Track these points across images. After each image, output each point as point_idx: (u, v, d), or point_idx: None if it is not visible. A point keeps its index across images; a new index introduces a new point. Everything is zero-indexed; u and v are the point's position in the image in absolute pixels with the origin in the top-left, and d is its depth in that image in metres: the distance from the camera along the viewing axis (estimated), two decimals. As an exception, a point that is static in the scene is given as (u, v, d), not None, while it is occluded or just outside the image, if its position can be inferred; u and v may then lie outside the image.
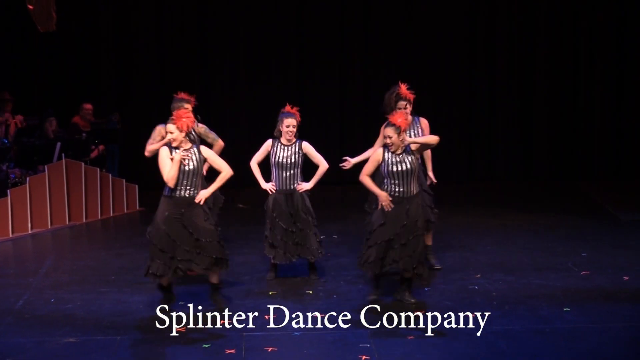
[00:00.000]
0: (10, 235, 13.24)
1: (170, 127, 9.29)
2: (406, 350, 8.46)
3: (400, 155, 9.41)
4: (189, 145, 9.30)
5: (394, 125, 9.37)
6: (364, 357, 8.27)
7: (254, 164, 10.30)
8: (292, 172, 10.19)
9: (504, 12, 17.00)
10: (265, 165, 10.37)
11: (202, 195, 9.25)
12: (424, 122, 10.69)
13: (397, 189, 9.44)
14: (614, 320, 9.16)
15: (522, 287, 10.20)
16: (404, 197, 9.44)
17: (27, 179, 13.64)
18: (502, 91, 17.05)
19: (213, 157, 9.40)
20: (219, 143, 10.65)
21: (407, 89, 10.41)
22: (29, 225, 13.52)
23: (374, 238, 9.50)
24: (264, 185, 10.27)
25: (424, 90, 17.03)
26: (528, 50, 17.08)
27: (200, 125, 10.65)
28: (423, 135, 10.47)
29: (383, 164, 9.46)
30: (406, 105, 10.37)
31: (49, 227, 13.71)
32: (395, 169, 9.40)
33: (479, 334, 8.84)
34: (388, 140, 9.39)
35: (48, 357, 8.46)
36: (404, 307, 9.51)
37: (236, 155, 15.87)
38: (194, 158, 9.27)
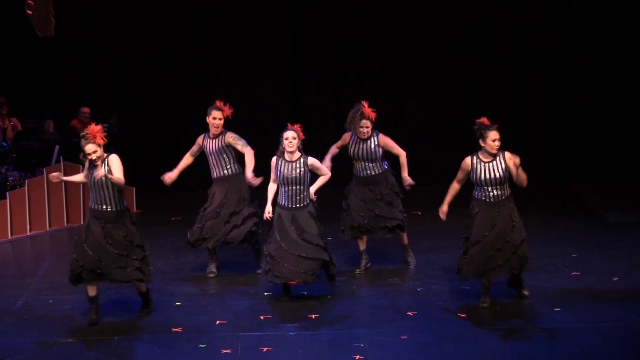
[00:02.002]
0: (9, 237, 13.30)
1: (91, 147, 9.19)
2: (399, 350, 8.55)
3: (492, 163, 9.50)
4: (103, 157, 9.29)
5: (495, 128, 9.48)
6: (357, 356, 8.35)
7: (270, 185, 10.04)
8: (297, 187, 9.87)
9: (496, 15, 17.04)
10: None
11: None
12: (382, 138, 10.96)
13: (490, 194, 9.53)
14: (603, 320, 9.24)
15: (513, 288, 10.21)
16: (497, 202, 9.52)
17: (26, 181, 13.69)
18: (493, 93, 17.09)
19: (117, 168, 9.29)
20: (249, 150, 10.84)
21: (369, 106, 10.84)
22: (28, 227, 13.58)
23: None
24: (267, 209, 10.04)
25: (415, 94, 17.22)
26: (519, 52, 17.07)
27: (228, 134, 10.86)
28: (378, 150, 10.89)
29: (472, 172, 9.55)
30: (368, 124, 10.81)
31: (48, 229, 13.76)
32: (485, 176, 9.48)
33: (470, 334, 8.95)
34: (498, 143, 9.46)
35: (46, 357, 8.55)
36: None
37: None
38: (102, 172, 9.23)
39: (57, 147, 14.54)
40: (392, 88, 17.18)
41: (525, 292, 9.89)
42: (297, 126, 9.98)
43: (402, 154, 11.05)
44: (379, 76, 17.14)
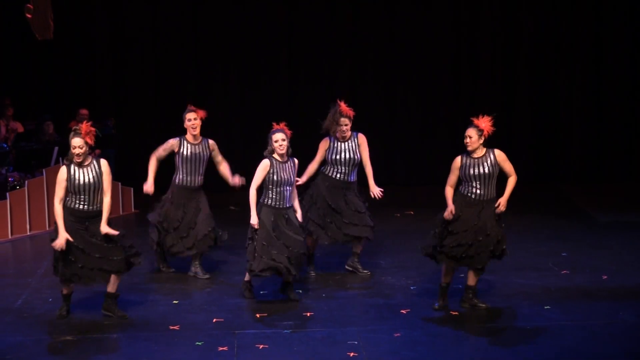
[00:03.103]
0: (9, 237, 13.40)
1: (78, 141, 9.24)
2: (393, 347, 8.65)
3: (480, 159, 9.54)
4: (89, 159, 9.34)
5: (477, 126, 9.50)
6: (351, 354, 8.42)
7: (253, 190, 9.88)
8: (289, 187, 9.90)
9: (487, 17, 17.10)
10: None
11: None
12: (361, 137, 10.92)
13: (475, 192, 9.56)
14: (593, 317, 9.35)
15: (503, 286, 10.35)
16: (481, 200, 9.55)
17: (26, 182, 13.78)
18: (484, 94, 17.16)
19: (108, 176, 9.42)
20: (224, 164, 11.01)
21: (347, 105, 10.78)
22: (28, 227, 13.68)
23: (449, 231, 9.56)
24: (254, 219, 9.88)
25: (408, 95, 17.30)
26: (509, 54, 17.17)
27: (211, 141, 10.96)
28: (360, 150, 10.79)
29: (461, 168, 9.55)
30: (347, 122, 10.76)
31: (47, 228, 13.77)
32: (473, 172, 9.51)
33: (462, 331, 9.07)
34: (467, 140, 9.48)
35: (46, 355, 8.63)
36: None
37: (229, 159, 16.04)
38: (92, 172, 9.33)
39: (56, 148, 14.61)
40: (385, 90, 17.27)
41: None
42: (282, 125, 9.89)
43: (369, 164, 10.93)
44: (373, 77, 17.22)
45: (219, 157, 11.00)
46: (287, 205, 9.94)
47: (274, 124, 9.92)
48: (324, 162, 10.95)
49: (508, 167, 9.60)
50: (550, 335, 8.88)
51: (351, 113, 10.81)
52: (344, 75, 17.10)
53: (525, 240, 12.58)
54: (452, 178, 9.62)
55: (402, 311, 9.65)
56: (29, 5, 11.65)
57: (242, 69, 17.07)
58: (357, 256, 11.13)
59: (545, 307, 9.69)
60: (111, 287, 9.55)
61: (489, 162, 9.51)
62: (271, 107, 16.58)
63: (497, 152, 9.60)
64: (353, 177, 10.93)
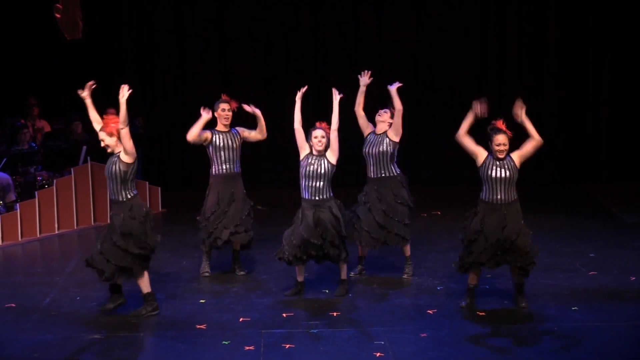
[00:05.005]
0: (38, 236, 13.47)
1: (100, 134, 9.57)
2: (419, 347, 8.65)
3: (502, 162, 9.54)
4: (120, 149, 9.55)
5: (506, 132, 9.56)
6: (378, 354, 8.44)
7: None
8: (322, 183, 10.01)
9: (515, 18, 17.07)
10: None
11: None
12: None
13: (496, 197, 9.55)
14: (620, 319, 9.32)
15: (530, 286, 10.24)
16: (503, 204, 9.54)
17: (54, 181, 13.86)
18: (511, 96, 17.13)
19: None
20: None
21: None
22: (56, 225, 13.74)
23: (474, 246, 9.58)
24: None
25: (433, 94, 17.28)
26: (536, 54, 17.08)
27: (239, 128, 11.08)
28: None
29: (482, 167, 9.59)
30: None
31: (75, 227, 13.91)
32: (495, 174, 9.52)
33: (489, 332, 9.06)
34: (502, 148, 9.50)
35: (73, 353, 8.68)
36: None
37: (254, 155, 16.09)
38: (113, 162, 9.59)
39: (84, 147, 14.70)
40: (411, 89, 17.21)
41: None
42: (324, 124, 10.10)
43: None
44: (399, 77, 17.18)
45: (250, 132, 11.12)
46: (317, 198, 10.06)
47: (317, 123, 10.14)
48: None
49: (527, 146, 9.62)
50: (577, 337, 8.86)
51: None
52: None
53: (552, 241, 12.54)
54: (469, 139, 9.67)
55: (428, 311, 9.66)
56: (58, 5, 11.71)
57: (268, 65, 17.10)
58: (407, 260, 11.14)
59: (573, 308, 9.67)
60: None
61: (509, 166, 9.50)
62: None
63: (513, 155, 9.59)
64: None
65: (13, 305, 10.09)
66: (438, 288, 10.52)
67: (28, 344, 8.86)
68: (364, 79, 10.90)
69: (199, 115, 10.86)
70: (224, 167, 10.97)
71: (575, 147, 17.14)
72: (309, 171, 10.01)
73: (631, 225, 13.64)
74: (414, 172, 16.86)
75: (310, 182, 10.01)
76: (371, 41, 17.17)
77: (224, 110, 10.99)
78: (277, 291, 10.46)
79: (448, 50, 17.05)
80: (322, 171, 10.00)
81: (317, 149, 10.02)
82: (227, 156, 10.95)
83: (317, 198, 10.03)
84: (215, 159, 10.96)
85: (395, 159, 10.82)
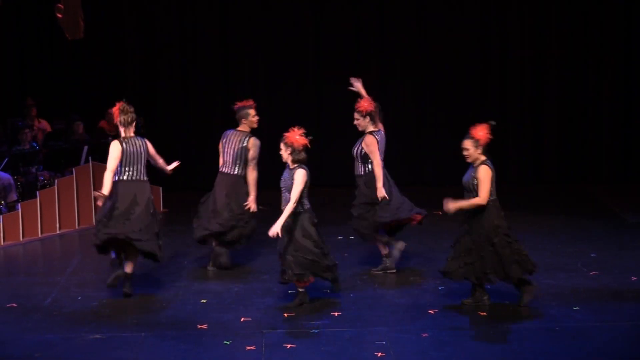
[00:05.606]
0: (39, 235, 13.48)
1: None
2: (420, 347, 8.65)
3: (474, 168, 9.64)
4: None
5: (473, 137, 9.60)
6: (379, 354, 8.44)
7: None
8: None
9: (516, 20, 17.07)
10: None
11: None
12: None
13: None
14: (621, 319, 9.32)
15: None
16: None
17: (56, 181, 13.87)
18: (512, 95, 17.11)
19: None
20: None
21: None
22: (57, 225, 13.75)
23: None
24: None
25: (434, 94, 17.29)
26: (538, 54, 17.09)
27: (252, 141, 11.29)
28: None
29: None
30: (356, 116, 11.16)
31: (77, 227, 13.92)
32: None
33: (490, 332, 9.07)
34: (464, 152, 9.59)
35: (75, 353, 8.68)
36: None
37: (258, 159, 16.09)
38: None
39: (86, 147, 14.71)
40: (413, 89, 17.26)
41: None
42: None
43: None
44: (401, 77, 17.22)
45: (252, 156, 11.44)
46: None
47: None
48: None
49: (480, 187, 9.56)
50: (578, 336, 8.86)
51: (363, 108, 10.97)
52: (372, 75, 17.09)
53: (553, 241, 12.56)
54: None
55: (430, 311, 9.65)
56: (59, 5, 11.73)
57: (270, 68, 17.12)
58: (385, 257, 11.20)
59: (574, 308, 9.67)
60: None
61: (472, 174, 9.61)
62: (299, 108, 16.57)
63: (481, 167, 9.60)
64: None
65: (14, 305, 10.09)
66: (439, 288, 10.51)
67: (29, 344, 8.86)
68: (357, 85, 11.04)
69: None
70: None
71: (577, 146, 17.13)
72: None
73: (632, 225, 13.64)
74: (415, 172, 16.93)
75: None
76: (372, 43, 17.18)
77: (255, 116, 11.43)
78: (279, 291, 10.44)
79: (449, 51, 17.06)
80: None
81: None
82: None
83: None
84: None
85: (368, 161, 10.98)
